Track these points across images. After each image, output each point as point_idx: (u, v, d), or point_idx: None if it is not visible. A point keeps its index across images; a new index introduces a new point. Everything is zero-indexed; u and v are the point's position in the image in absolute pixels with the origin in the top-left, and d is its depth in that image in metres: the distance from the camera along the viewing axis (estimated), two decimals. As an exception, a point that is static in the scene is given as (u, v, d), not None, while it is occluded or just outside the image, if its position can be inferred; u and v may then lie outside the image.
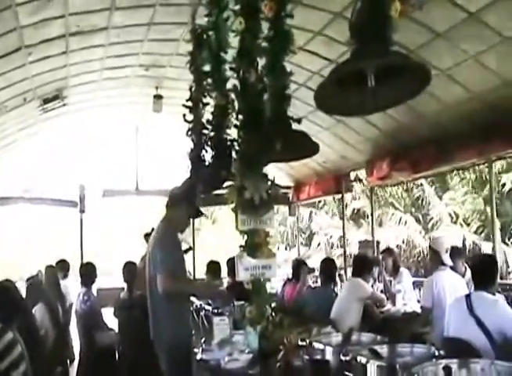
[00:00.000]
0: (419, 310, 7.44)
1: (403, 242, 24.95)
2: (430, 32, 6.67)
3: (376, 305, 7.64)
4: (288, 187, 14.35)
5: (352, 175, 13.25)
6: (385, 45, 3.05)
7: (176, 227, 5.51)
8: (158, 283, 5.06)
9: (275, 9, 4.52)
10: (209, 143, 6.21)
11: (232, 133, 5.46)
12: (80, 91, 10.35)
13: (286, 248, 29.73)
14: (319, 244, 28.65)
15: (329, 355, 3.69)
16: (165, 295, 5.09)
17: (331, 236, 27.32)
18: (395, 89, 3.31)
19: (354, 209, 26.97)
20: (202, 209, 6.11)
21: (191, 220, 5.73)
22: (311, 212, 29.11)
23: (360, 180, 16.83)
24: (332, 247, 27.35)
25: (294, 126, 4.58)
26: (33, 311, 6.55)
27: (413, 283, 8.91)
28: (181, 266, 5.41)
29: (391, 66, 3.12)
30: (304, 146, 4.75)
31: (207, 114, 6.41)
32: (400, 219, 25.77)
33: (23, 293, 6.65)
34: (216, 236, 30.68)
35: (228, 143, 5.69)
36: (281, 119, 4.50)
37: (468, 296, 5.15)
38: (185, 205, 5.47)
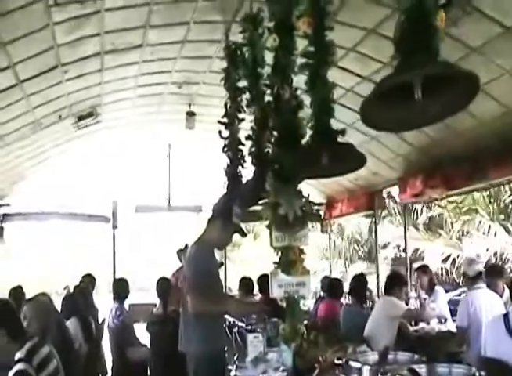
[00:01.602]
0: (454, 329, 7.33)
1: (495, 255, 20.88)
2: (465, 47, 6.61)
3: (411, 324, 7.55)
4: (320, 204, 14.27)
5: (385, 192, 13.13)
6: (432, 54, 3.03)
7: (213, 244, 5.47)
8: (188, 304, 5.04)
9: (314, 24, 4.51)
10: (246, 159, 6.21)
11: (269, 149, 5.45)
12: (114, 108, 10.46)
13: (345, 264, 26.70)
14: (385, 258, 24.38)
15: (366, 374, 3.63)
16: (196, 314, 5.07)
17: (403, 249, 22.27)
18: (443, 102, 3.28)
19: (430, 217, 23.87)
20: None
21: (232, 237, 5.61)
22: (371, 222, 24.65)
23: (393, 197, 16.67)
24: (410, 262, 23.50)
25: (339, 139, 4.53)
26: (67, 324, 6.60)
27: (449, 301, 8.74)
28: (216, 283, 5.38)
29: (438, 78, 3.09)
30: (351, 159, 4.67)
31: (243, 131, 6.42)
32: (489, 228, 21.62)
33: (58, 307, 6.71)
34: (257, 251, 30.50)
35: (266, 159, 5.67)
36: (326, 132, 4.45)
37: (506, 315, 5.05)
38: (221, 221, 5.41)
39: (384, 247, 24.19)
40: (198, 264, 5.26)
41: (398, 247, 23.04)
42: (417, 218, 23.47)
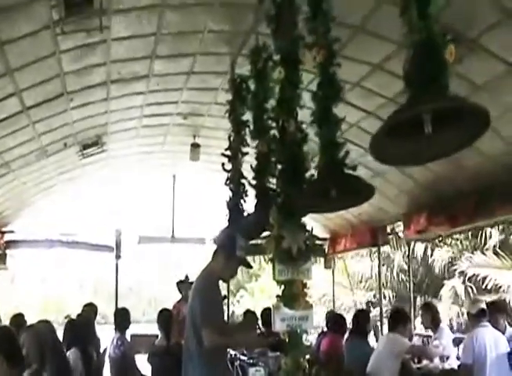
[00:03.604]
0: (456, 367, 7.24)
1: None
2: (470, 84, 6.64)
3: (414, 361, 7.46)
4: (324, 239, 14.21)
5: (389, 228, 13.08)
6: (441, 89, 3.03)
7: (218, 276, 5.37)
8: (204, 338, 4.79)
9: (326, 56, 4.55)
10: (249, 192, 6.21)
11: (273, 182, 5.45)
12: (119, 137, 10.51)
13: (394, 297, 22.67)
14: (451, 289, 20.91)
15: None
16: (210, 348, 4.91)
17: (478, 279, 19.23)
18: (452, 136, 3.28)
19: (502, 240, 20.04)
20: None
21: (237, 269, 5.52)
22: (426, 248, 21.90)
23: (396, 233, 16.54)
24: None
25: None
26: (67, 354, 6.53)
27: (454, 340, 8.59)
28: (222, 316, 5.29)
29: (447, 112, 3.09)
30: (359, 191, 4.67)
31: (246, 164, 6.43)
32: None
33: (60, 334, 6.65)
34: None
35: (269, 192, 5.66)
36: (334, 166, 4.46)
37: (510, 354, 5.00)
38: (225, 254, 5.32)
39: (450, 276, 21.43)
40: (208, 295, 5.17)
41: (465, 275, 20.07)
42: (486, 242, 20.13)
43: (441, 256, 21.80)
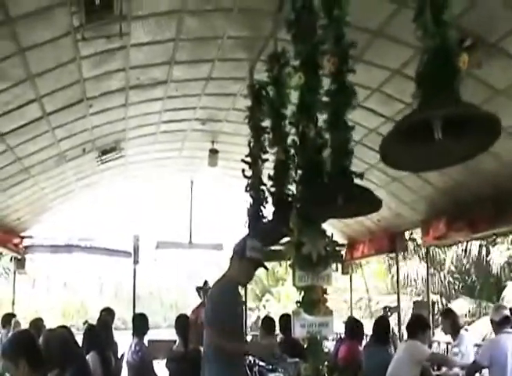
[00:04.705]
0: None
1: None
2: (490, 89, 6.60)
3: (433, 368, 7.39)
4: (341, 245, 14.16)
5: (407, 234, 13.00)
6: (453, 95, 3.02)
7: (236, 281, 5.36)
8: (209, 336, 4.91)
9: (338, 64, 4.54)
10: (269, 199, 6.19)
11: (293, 189, 5.44)
12: (137, 143, 10.55)
13: (442, 302, 20.84)
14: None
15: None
16: (215, 349, 4.95)
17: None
18: (464, 144, 3.25)
19: None
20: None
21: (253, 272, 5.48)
22: (481, 247, 20.35)
23: (414, 240, 16.34)
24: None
25: (356, 182, 4.53)
26: (86, 358, 6.55)
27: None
28: (238, 322, 5.25)
29: (458, 119, 3.07)
30: (367, 202, 4.66)
31: (266, 170, 6.43)
32: None
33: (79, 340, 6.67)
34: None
35: (289, 199, 5.64)
36: (343, 174, 4.46)
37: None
38: (238, 258, 5.31)
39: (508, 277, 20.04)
40: (219, 301, 5.17)
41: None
42: None
43: (501, 254, 20.14)
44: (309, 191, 4.53)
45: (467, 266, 21.33)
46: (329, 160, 4.56)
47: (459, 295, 21.29)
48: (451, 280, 21.25)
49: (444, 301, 20.90)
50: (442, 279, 21.50)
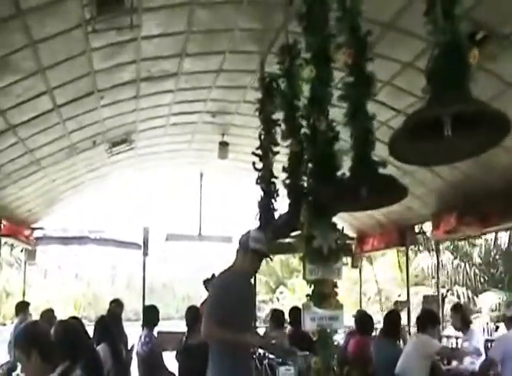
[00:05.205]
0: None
1: None
2: (502, 82, 6.56)
3: (443, 363, 7.39)
4: (351, 238, 14.12)
5: (417, 228, 12.95)
6: (463, 92, 3.00)
7: (242, 272, 5.33)
8: (202, 328, 4.87)
9: (355, 55, 4.52)
10: (282, 191, 6.17)
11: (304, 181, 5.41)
12: (147, 135, 10.55)
13: (468, 295, 20.32)
14: None
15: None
16: (216, 342, 4.89)
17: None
18: (473, 139, 3.24)
19: None
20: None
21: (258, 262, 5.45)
22: (510, 238, 19.30)
23: (425, 233, 16.24)
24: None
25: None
26: (97, 349, 6.57)
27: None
28: (239, 313, 5.17)
29: (468, 115, 3.05)
30: (392, 191, 4.63)
31: (276, 162, 6.41)
32: None
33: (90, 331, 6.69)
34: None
35: (301, 191, 5.61)
36: (366, 164, 4.43)
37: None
38: (242, 249, 5.28)
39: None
40: (215, 292, 5.15)
41: None
42: None
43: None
44: (327, 184, 4.49)
45: (496, 258, 20.66)
46: (348, 153, 4.54)
47: (487, 288, 20.59)
48: (477, 272, 20.59)
49: (470, 295, 20.46)
50: (468, 270, 20.80)
